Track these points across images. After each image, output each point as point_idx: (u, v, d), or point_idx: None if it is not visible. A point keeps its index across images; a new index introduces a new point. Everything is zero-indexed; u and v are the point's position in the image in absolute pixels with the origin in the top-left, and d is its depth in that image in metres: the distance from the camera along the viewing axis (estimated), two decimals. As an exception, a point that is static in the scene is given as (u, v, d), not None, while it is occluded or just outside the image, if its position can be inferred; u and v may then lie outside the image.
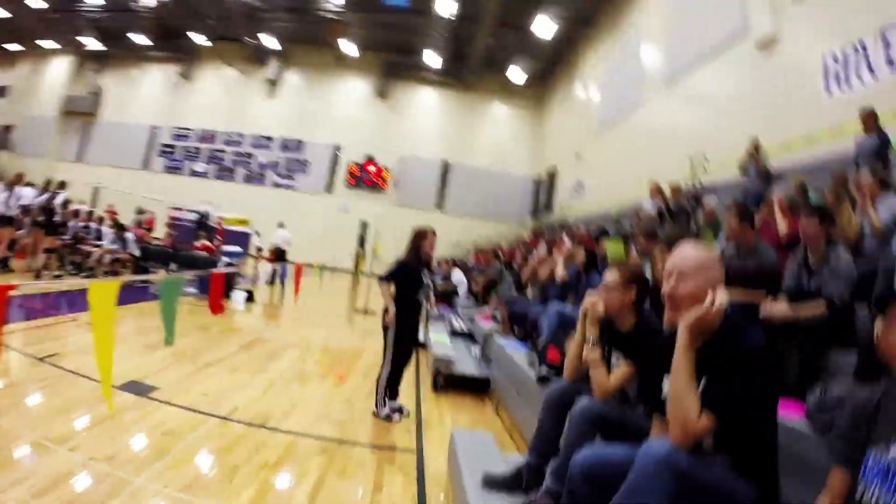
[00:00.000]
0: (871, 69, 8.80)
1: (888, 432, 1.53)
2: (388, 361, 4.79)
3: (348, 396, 5.31)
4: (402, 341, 4.81)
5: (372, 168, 26.65)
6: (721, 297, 1.88)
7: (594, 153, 20.18)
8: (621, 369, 2.74)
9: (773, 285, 3.94)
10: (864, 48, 8.91)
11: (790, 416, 2.72)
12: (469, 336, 8.35)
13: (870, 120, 6.92)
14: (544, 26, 20.29)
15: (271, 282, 14.23)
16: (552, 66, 24.80)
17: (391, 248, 20.69)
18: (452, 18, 20.76)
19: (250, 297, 11.17)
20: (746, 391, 1.81)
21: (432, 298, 4.92)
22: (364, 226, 16.77)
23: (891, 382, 1.59)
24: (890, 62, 8.48)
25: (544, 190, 25.13)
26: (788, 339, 3.39)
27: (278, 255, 16.17)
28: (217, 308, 6.01)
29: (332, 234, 24.09)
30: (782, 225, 4.84)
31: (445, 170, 26.89)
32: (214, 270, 5.65)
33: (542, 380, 4.24)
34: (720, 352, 1.89)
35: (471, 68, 25.67)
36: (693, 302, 1.90)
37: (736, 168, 10.23)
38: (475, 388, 5.98)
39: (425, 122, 27.46)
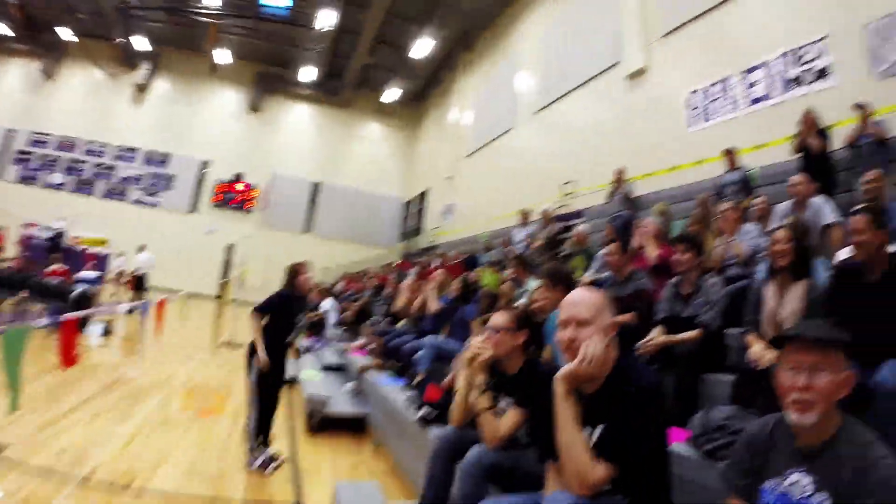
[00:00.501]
0: (732, 105, 9.89)
1: (783, 462, 1.67)
2: (254, 405, 4.43)
3: (220, 443, 4.91)
4: (268, 381, 4.46)
5: (240, 186, 25.45)
6: (594, 349, 1.90)
7: (465, 176, 20.75)
8: (511, 415, 2.68)
9: (647, 311, 4.27)
10: (725, 87, 10.01)
11: (673, 441, 2.73)
12: (341, 370, 8.06)
13: (731, 157, 7.77)
14: (423, 46, 20.68)
15: (131, 311, 13.20)
16: (428, 86, 25.31)
17: (258, 274, 20.18)
18: (331, 31, 20.51)
19: (107, 331, 10.27)
20: (643, 433, 1.83)
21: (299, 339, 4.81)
22: (229, 249, 16.11)
23: (781, 416, 1.71)
24: (750, 100, 9.62)
25: (415, 213, 25.39)
26: (665, 366, 3.66)
27: (139, 283, 14.98)
28: (69, 361, 5.12)
29: (195, 258, 22.81)
30: (652, 252, 5.20)
31: (315, 190, 26.28)
32: (68, 315, 5.07)
33: (424, 421, 4.13)
34: (613, 396, 1.91)
35: (346, 85, 25.47)
36: (594, 353, 1.92)
37: (603, 195, 10.92)
38: (352, 427, 5.78)
39: (297, 139, 26.79)
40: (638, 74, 12.34)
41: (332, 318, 11.00)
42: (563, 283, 3.68)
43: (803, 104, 8.31)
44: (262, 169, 25.59)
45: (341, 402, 6.10)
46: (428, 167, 24.75)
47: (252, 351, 4.46)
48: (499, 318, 2.83)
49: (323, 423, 5.62)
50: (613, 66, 13.14)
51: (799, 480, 1.63)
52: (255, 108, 26.23)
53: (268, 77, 25.98)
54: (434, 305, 6.61)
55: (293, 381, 6.92)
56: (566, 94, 14.98)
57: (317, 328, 10.86)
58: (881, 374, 2.57)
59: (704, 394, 3.51)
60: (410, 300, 7.51)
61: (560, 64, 15.33)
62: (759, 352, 3.12)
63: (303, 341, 4.89)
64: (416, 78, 24.37)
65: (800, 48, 8.97)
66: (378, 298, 11.73)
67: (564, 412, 1.91)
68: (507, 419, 2.71)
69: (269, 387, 4.51)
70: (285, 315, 4.63)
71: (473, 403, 2.77)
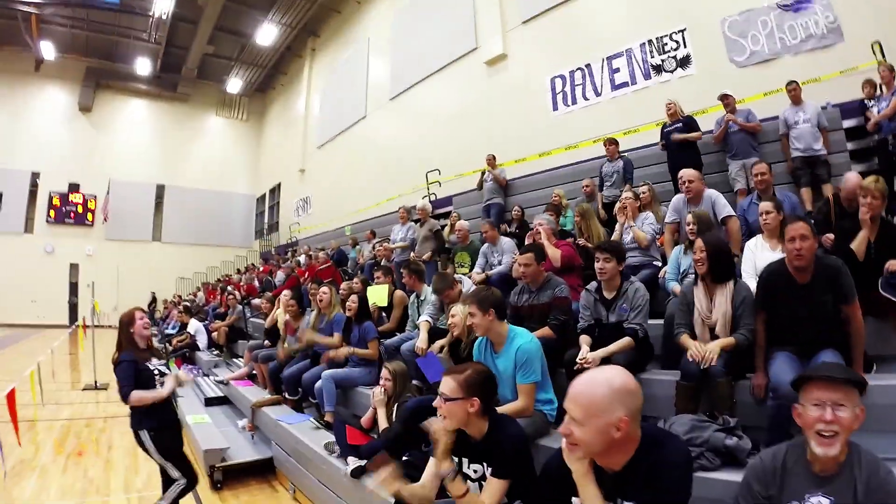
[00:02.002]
0: (595, 91, 10.14)
1: (802, 487, 1.87)
2: (178, 474, 3.70)
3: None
4: (174, 448, 3.74)
5: (76, 198, 22.34)
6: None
7: (319, 168, 19.99)
8: (493, 489, 2.41)
9: (568, 319, 4.18)
10: (589, 74, 10.23)
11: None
12: (227, 402, 7.27)
13: (613, 146, 7.81)
14: (267, 33, 19.68)
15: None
16: (273, 76, 23.97)
17: (110, 295, 18.22)
18: (168, 19, 18.74)
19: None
20: None
21: (176, 377, 3.94)
22: (74, 269, 14.28)
23: (795, 442, 1.94)
24: (613, 85, 9.94)
25: (268, 209, 24.16)
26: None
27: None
28: None
29: (36, 284, 20.10)
30: (553, 252, 5.06)
31: (160, 194, 23.83)
32: None
33: (357, 473, 3.73)
34: (640, 472, 1.76)
35: (185, 78, 23.47)
36: (590, 448, 1.75)
37: (471, 182, 10.92)
38: (260, 471, 5.16)
39: (135, 139, 23.86)
40: (498, 60, 12.37)
41: (202, 341, 9.99)
42: (495, 307, 3.40)
43: (666, 90, 8.86)
44: (99, 176, 22.46)
45: (242, 448, 5.42)
46: (278, 160, 23.51)
47: (138, 427, 3.65)
48: (445, 386, 2.47)
49: (227, 476, 4.92)
50: (471, 51, 13.08)
51: (820, 502, 1.84)
52: (85, 107, 22.94)
53: (99, 72, 22.91)
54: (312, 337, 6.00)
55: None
56: (422, 79, 14.74)
57: (187, 354, 9.82)
58: (821, 361, 2.83)
59: (648, 395, 3.41)
60: (289, 325, 6.74)
61: (414, 49, 15.04)
62: (698, 352, 3.20)
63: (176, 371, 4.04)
64: (260, 67, 23.04)
65: (659, 39, 9.42)
66: (248, 311, 10.81)
67: (586, 493, 1.81)
68: (488, 495, 2.42)
69: (175, 450, 3.77)
70: (146, 382, 3.70)
71: (448, 490, 2.44)
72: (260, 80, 24.30)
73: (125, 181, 22.72)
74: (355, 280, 7.44)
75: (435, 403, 2.50)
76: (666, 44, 9.37)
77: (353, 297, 5.70)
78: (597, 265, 3.95)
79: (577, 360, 3.58)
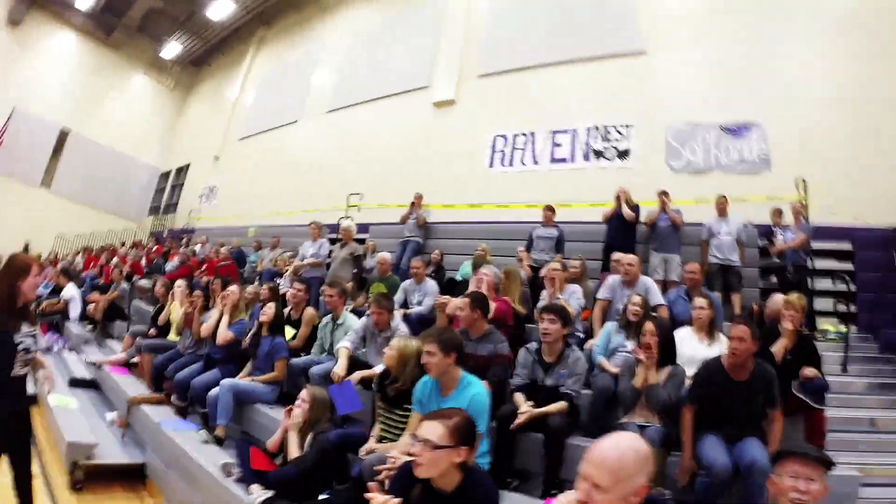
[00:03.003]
0: (534, 159, 10.47)
1: None
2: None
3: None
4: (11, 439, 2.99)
5: None
6: None
7: (235, 159, 19.05)
8: None
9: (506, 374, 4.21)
10: (531, 141, 10.58)
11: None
12: (94, 386, 6.54)
13: (550, 213, 8.10)
14: (221, 8, 18.97)
15: None
16: (213, 52, 22.75)
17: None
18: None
19: None
20: None
21: (42, 367, 3.16)
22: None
23: None
24: (552, 158, 10.30)
25: (171, 187, 22.54)
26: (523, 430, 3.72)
27: None
28: None
29: None
30: (492, 305, 5.07)
31: (62, 139, 21.17)
32: None
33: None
34: None
35: (125, 26, 21.78)
36: None
37: (392, 214, 10.89)
38: (126, 476, 4.59)
39: (55, 72, 21.22)
40: (446, 104, 12.46)
41: (74, 311, 9.04)
42: (457, 351, 3.31)
43: (602, 175, 9.31)
44: (3, 99, 19.62)
45: (111, 448, 4.80)
46: (194, 141, 22.04)
47: None
48: (432, 432, 2.22)
49: (89, 476, 4.32)
50: (422, 88, 13.09)
51: None
52: (15, 20, 20.19)
53: None
54: (226, 336, 5.56)
55: (33, 401, 4.85)
56: (365, 101, 14.51)
57: (55, 322, 8.89)
58: (745, 449, 3.31)
59: (573, 458, 3.55)
60: (188, 318, 6.13)
61: (365, 71, 14.88)
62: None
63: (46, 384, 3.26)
64: (203, 39, 21.85)
65: (606, 127, 9.96)
66: (132, 292, 9.98)
67: None
68: None
69: (13, 445, 3.02)
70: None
71: None
72: (199, 54, 22.99)
73: (30, 113, 20.21)
74: (264, 287, 7.05)
75: (413, 450, 2.24)
76: (610, 133, 9.87)
77: (271, 306, 5.37)
78: (541, 325, 4.02)
79: (519, 412, 3.66)
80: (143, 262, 12.99)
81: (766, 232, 7.79)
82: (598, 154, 9.88)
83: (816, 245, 7.45)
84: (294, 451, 3.73)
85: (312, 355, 5.46)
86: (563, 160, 10.24)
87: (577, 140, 10.17)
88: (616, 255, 6.43)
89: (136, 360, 6.81)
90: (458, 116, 12.20)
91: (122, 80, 23.26)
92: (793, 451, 2.23)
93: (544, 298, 5.80)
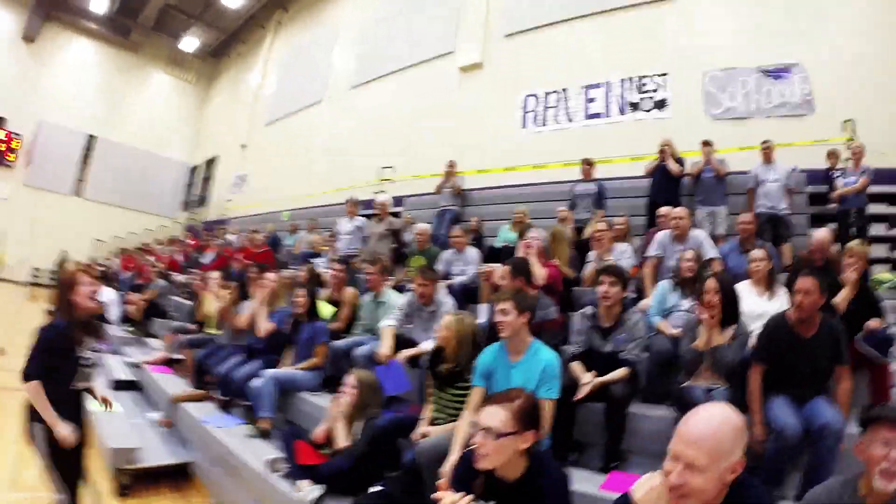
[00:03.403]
0: (568, 116, 10.08)
1: None
2: (58, 487, 2.90)
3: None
4: (66, 450, 2.86)
5: (0, 134, 19.49)
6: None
7: (262, 146, 19.00)
8: None
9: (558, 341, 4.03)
10: (564, 98, 10.16)
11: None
12: (136, 388, 6.37)
13: (588, 167, 7.77)
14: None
15: None
16: (231, 42, 22.61)
17: (20, 246, 16.61)
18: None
19: None
20: None
21: (102, 388, 3.09)
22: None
23: (846, 479, 2.10)
24: (587, 114, 9.89)
25: (201, 181, 22.61)
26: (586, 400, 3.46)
27: None
28: None
29: None
30: (539, 271, 4.79)
31: (90, 145, 21.35)
32: None
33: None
34: None
35: (141, 25, 21.68)
36: (704, 498, 1.49)
37: (424, 185, 10.71)
38: (173, 476, 4.41)
39: (75, 81, 21.21)
40: (473, 68, 12.07)
41: (113, 313, 8.99)
42: (531, 312, 3.16)
43: (640, 128, 8.89)
44: (29, 114, 19.81)
45: (156, 449, 4.62)
46: (220, 132, 22.08)
47: (35, 418, 2.85)
48: (494, 419, 1.99)
49: (135, 481, 4.17)
50: (447, 54, 12.71)
51: None
52: (29, 37, 20.25)
53: (51, 1, 20.28)
54: (266, 326, 5.37)
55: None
56: (389, 73, 14.22)
57: (94, 327, 8.77)
58: (815, 410, 3.05)
59: (633, 429, 3.49)
60: (225, 311, 6.04)
61: (386, 42, 14.53)
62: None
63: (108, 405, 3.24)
64: (220, 30, 21.79)
65: (640, 78, 9.54)
66: (170, 288, 10.00)
67: None
68: None
69: (68, 457, 2.92)
70: (63, 365, 2.90)
71: None
72: (217, 45, 22.92)
73: (56, 124, 20.39)
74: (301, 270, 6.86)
75: (476, 440, 2.00)
76: (645, 84, 9.51)
77: (301, 293, 5.12)
78: (599, 289, 3.75)
79: (582, 383, 3.43)
80: (180, 258, 12.97)
81: (823, 177, 7.35)
82: (634, 106, 9.49)
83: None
84: (342, 441, 3.49)
85: (355, 336, 5.23)
86: (598, 115, 9.86)
87: (610, 93, 9.76)
88: (663, 210, 6.09)
89: (179, 356, 6.68)
90: (486, 79, 11.82)
91: (143, 79, 23.26)
92: (885, 416, 2.02)
93: (592, 259, 5.50)
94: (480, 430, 1.99)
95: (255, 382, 4.66)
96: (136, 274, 12.00)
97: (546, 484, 2.05)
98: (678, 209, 5.39)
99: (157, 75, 23.54)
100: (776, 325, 3.36)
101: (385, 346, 4.38)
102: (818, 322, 3.24)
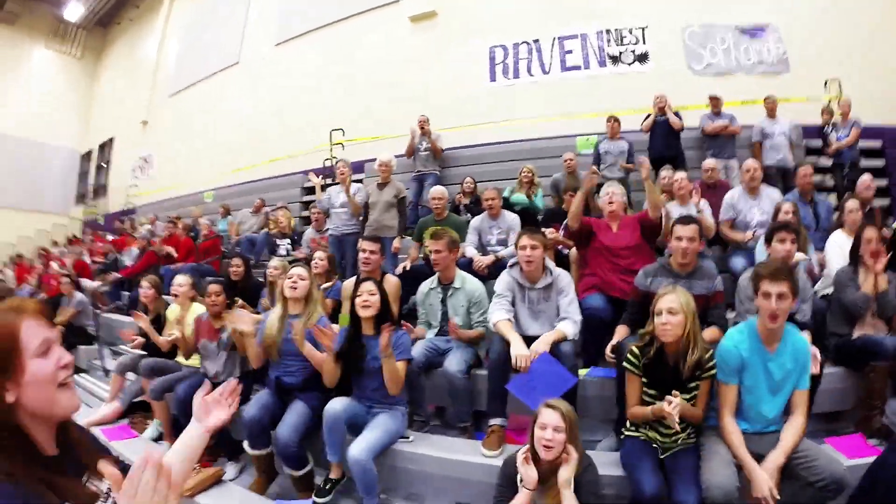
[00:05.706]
0: (543, 68, 9.82)
1: None
2: None
3: None
4: None
5: None
6: None
7: (167, 120, 16.95)
8: None
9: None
10: (539, 49, 9.89)
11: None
12: None
13: (615, 124, 7.72)
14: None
15: None
16: (122, 5, 19.99)
17: None
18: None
19: None
20: None
21: None
22: None
23: None
24: (563, 67, 9.67)
25: (95, 169, 20.23)
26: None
27: None
28: None
29: None
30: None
31: None
32: None
33: None
34: None
35: None
36: None
37: (386, 146, 9.40)
38: None
39: None
40: (425, 17, 11.18)
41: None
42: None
43: (620, 82, 8.81)
44: None
45: None
46: (115, 110, 19.55)
47: None
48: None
49: None
50: (391, 2, 11.67)
51: None
52: None
53: None
54: (316, 356, 3.57)
55: None
56: (322, 27, 12.84)
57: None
58: None
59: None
60: (207, 327, 4.37)
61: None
62: None
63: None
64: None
65: (619, 30, 9.50)
66: (88, 301, 7.93)
67: None
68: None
69: None
70: None
71: None
72: (105, 11, 20.13)
73: None
74: (319, 256, 5.16)
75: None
76: (625, 37, 9.51)
77: (369, 287, 3.50)
78: (780, 246, 3.68)
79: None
80: (87, 258, 10.96)
81: (817, 133, 7.78)
82: (615, 59, 9.41)
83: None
84: None
85: (428, 338, 4.16)
86: (577, 67, 9.63)
87: (588, 45, 9.56)
88: (729, 164, 7.08)
89: (141, 397, 4.90)
90: (443, 30, 11.03)
91: (22, 56, 20.00)
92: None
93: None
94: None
95: (355, 459, 3.10)
96: (36, 287, 10.10)
97: None
98: (749, 161, 5.54)
99: (37, 51, 20.32)
100: None
101: (518, 347, 3.32)
102: None
